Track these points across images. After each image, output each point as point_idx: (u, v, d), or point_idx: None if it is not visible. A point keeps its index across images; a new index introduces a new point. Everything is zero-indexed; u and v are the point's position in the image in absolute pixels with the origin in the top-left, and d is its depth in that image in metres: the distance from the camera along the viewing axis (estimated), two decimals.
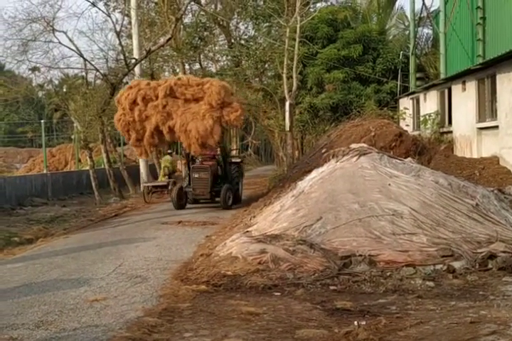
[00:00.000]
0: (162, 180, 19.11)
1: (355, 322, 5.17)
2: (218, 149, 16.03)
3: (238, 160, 17.52)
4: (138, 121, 13.52)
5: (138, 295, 6.58)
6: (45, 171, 18.87)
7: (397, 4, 27.06)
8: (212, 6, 29.86)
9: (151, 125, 13.47)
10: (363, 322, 5.18)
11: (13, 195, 16.73)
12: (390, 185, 8.63)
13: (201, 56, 34.09)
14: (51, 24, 18.73)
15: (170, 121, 13.42)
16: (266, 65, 26.62)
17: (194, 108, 13.47)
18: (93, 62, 20.12)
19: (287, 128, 20.07)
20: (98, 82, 24.76)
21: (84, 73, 20.24)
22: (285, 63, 20.13)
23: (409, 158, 11.04)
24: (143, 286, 6.99)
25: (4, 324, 5.59)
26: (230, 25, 29.05)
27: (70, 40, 18.96)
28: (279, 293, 6.44)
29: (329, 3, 26.21)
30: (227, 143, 19.54)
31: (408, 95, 20.12)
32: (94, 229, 12.99)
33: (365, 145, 10.86)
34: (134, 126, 13.63)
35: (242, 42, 28.52)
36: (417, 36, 22.99)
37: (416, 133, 17.40)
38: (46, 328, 5.44)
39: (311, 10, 22.91)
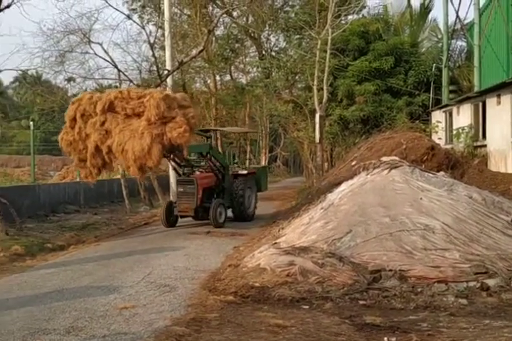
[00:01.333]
0: None
1: (385, 339, 5.10)
2: (215, 160, 14.61)
3: (244, 172, 15.78)
4: (79, 140, 11.89)
5: (166, 304, 6.62)
6: (77, 179, 19.16)
7: (430, 16, 26.84)
8: (244, 19, 30.16)
9: (91, 144, 11.78)
10: (393, 339, 5.11)
11: (47, 202, 17.02)
12: (421, 199, 8.52)
13: (232, 68, 34.42)
14: (87, 36, 19.15)
15: (109, 140, 11.65)
16: (296, 77, 26.67)
17: (134, 124, 11.60)
18: (127, 73, 20.43)
19: (317, 140, 20.04)
20: None
21: (118, 84, 20.54)
22: (316, 75, 20.15)
23: (441, 172, 10.89)
24: (171, 295, 7.03)
25: (36, 328, 5.69)
26: (261, 37, 29.27)
27: (105, 51, 19.32)
28: (307, 306, 6.39)
29: (361, 16, 26.16)
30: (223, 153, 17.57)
31: (441, 108, 19.88)
32: (124, 237, 13.13)
33: (396, 158, 10.76)
34: (76, 145, 11.99)
35: (273, 54, 28.69)
36: (451, 48, 22.77)
37: (448, 146, 17.15)
38: (76, 334, 5.51)
39: (343, 22, 22.94)
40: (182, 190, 13.76)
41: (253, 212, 15.72)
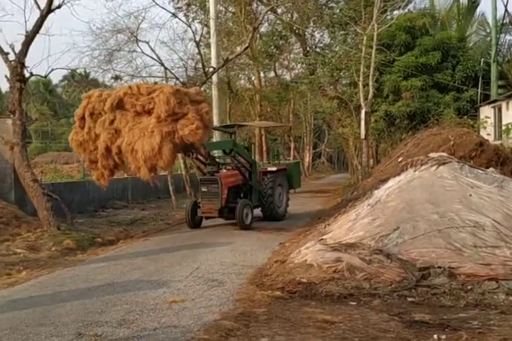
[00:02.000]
0: None
1: (435, 336, 5.04)
2: (240, 157, 13.62)
3: (274, 168, 15.05)
4: (89, 140, 11.23)
5: (214, 298, 6.72)
6: (125, 175, 19.61)
7: (478, 11, 26.18)
8: (289, 15, 30.11)
9: (101, 145, 11.08)
10: (443, 336, 5.05)
11: (96, 198, 17.51)
12: (471, 195, 8.34)
13: (276, 64, 34.45)
14: (135, 35, 19.53)
15: (119, 140, 10.92)
16: (341, 73, 26.45)
17: (144, 122, 10.82)
18: (173, 71, 20.75)
19: (362, 136, 19.86)
20: None
21: (164, 81, 20.89)
22: (361, 71, 19.95)
23: (491, 168, 10.62)
24: (219, 290, 7.13)
25: (90, 321, 5.88)
26: (306, 33, 29.16)
27: (152, 49, 19.64)
28: (354, 303, 6.37)
29: (407, 11, 25.72)
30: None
31: (489, 103, 19.36)
32: (171, 232, 13.38)
33: (444, 154, 10.56)
34: (87, 146, 11.29)
35: (318, 50, 28.54)
36: (499, 43, 22.13)
37: (498, 142, 16.69)
38: (128, 327, 5.66)
39: (388, 17, 22.61)
40: (206, 189, 13.08)
41: (285, 211, 15.14)
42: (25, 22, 12.76)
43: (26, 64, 12.55)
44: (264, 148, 33.16)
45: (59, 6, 12.78)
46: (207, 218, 13.61)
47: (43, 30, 12.89)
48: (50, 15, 12.74)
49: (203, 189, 13.15)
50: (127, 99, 11.03)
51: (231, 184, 13.47)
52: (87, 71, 40.52)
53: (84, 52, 20.79)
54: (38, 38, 12.72)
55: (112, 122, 11.04)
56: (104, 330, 5.56)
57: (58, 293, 7.26)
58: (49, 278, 8.27)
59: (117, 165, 11.48)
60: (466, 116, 19.26)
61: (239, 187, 13.87)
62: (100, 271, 8.57)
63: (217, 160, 13.95)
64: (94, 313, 6.19)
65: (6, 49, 12.51)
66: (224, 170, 14.29)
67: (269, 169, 14.96)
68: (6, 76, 12.56)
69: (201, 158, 13.18)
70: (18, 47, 12.43)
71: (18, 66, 12.38)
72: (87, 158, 11.50)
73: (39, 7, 12.61)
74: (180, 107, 10.83)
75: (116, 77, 21.31)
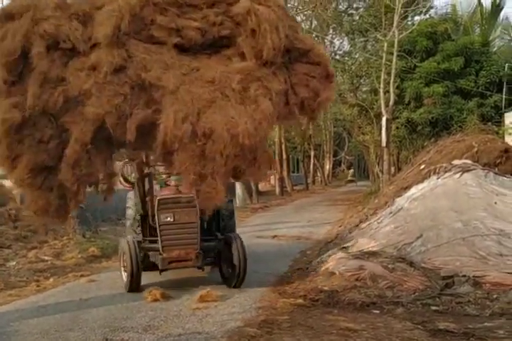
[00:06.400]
0: None
1: None
2: None
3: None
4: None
5: (237, 305, 6.76)
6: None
7: (501, 15, 25.93)
8: (308, 23, 30.20)
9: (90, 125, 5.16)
10: None
11: (119, 206, 17.63)
12: (496, 203, 8.28)
13: None
14: None
15: (153, 113, 5.11)
16: (361, 80, 26.43)
17: (209, 69, 5.32)
18: None
19: (383, 143, 19.79)
20: None
21: None
22: (382, 78, 19.93)
23: None
24: (242, 297, 7.16)
25: (116, 326, 5.98)
26: (325, 40, 29.22)
27: None
28: (377, 311, 6.35)
29: (428, 16, 25.61)
30: None
31: None
32: None
33: (468, 161, 10.48)
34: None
35: (337, 57, 28.55)
36: None
37: None
38: (153, 332, 5.74)
39: (409, 23, 22.55)
40: (170, 219, 7.44)
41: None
42: None
43: None
44: (284, 157, 33.14)
45: None
46: (163, 270, 7.70)
47: None
48: None
49: (166, 218, 7.41)
50: (154, 13, 5.30)
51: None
52: None
53: None
54: None
55: (117, 71, 5.09)
56: (131, 336, 5.64)
57: (85, 300, 7.38)
58: (75, 285, 8.43)
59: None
60: (490, 123, 19.04)
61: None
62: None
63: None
64: (120, 319, 6.28)
65: None
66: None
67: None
68: None
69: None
70: None
71: None
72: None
73: None
74: (295, 37, 5.74)
75: None
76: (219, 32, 5.41)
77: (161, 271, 7.67)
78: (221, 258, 7.95)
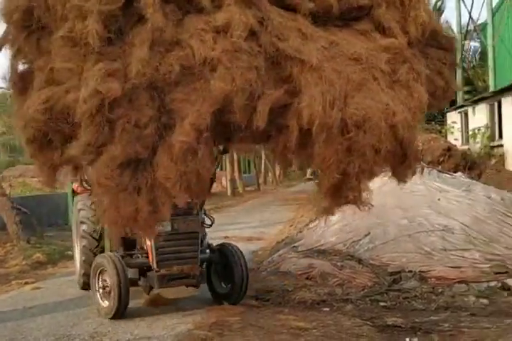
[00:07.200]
0: None
1: (407, 339, 5.10)
2: None
3: None
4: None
5: (187, 308, 6.66)
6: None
7: (442, 18, 26.75)
8: None
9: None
10: (415, 339, 5.11)
11: (66, 211, 17.24)
12: (439, 200, 8.52)
13: None
14: None
15: (287, 95, 4.15)
16: None
17: (350, 45, 4.38)
18: None
19: None
20: None
21: None
22: None
23: (459, 173, 10.87)
24: (192, 300, 7.06)
25: (62, 334, 5.77)
26: None
27: None
28: (327, 309, 6.42)
29: None
30: None
31: (456, 109, 19.82)
32: None
33: None
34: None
35: None
36: (464, 49, 22.67)
37: (465, 147, 17.08)
38: (100, 339, 5.57)
39: None
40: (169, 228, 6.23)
41: None
42: None
43: None
44: (236, 157, 33.08)
45: None
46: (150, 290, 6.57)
47: None
48: None
49: (162, 227, 5.74)
50: None
51: None
52: None
53: None
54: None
55: (250, 38, 4.14)
56: None
57: (29, 308, 7.11)
58: (19, 293, 8.11)
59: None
60: (433, 122, 19.64)
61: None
62: (71, 284, 8.38)
63: None
64: (66, 327, 6.07)
65: None
66: None
67: None
68: None
69: None
70: None
71: None
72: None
73: None
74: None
75: None
76: (358, 1, 4.52)
77: (149, 291, 6.45)
78: (213, 271, 6.82)
